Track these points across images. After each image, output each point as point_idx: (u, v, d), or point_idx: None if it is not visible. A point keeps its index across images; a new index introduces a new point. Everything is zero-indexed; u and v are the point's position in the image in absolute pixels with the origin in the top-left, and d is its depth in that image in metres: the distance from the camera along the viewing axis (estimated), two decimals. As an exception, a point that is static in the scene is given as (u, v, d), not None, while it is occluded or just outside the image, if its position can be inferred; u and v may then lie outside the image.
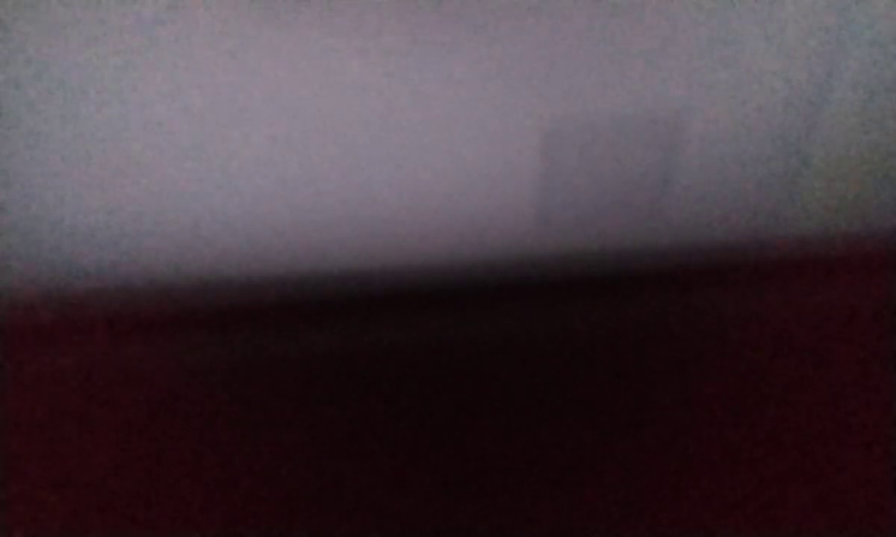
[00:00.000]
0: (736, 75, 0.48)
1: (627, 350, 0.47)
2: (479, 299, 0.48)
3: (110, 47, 0.43)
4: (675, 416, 0.47)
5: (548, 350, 0.47)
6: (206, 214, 0.48)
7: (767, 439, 0.47)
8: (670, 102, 0.48)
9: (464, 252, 0.52)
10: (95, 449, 0.44)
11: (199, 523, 0.45)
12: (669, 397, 0.47)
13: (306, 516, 0.45)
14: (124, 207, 0.48)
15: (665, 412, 0.47)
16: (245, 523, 0.45)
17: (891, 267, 0.49)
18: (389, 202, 0.50)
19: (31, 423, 0.44)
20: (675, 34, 0.46)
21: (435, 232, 0.51)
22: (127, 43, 0.43)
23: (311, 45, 0.44)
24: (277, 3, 0.43)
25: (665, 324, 0.47)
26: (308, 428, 0.46)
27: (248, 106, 0.46)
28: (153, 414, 0.45)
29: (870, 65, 0.48)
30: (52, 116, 0.44)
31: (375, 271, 0.51)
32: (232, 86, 0.45)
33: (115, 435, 0.45)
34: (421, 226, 0.51)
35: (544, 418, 0.47)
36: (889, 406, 0.48)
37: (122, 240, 0.48)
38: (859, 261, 0.49)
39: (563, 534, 0.46)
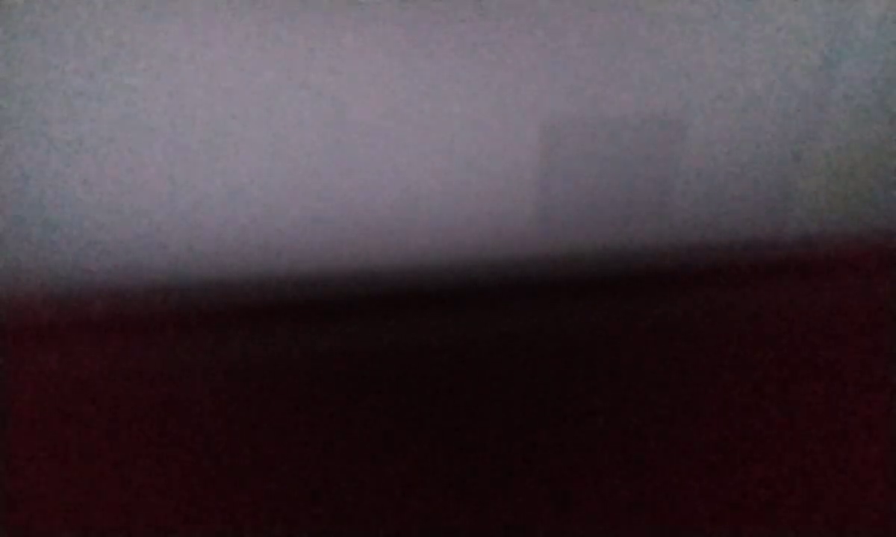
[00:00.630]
0: (736, 75, 0.48)
1: (627, 350, 0.47)
2: (479, 299, 0.48)
3: (110, 47, 0.43)
4: (675, 416, 0.47)
5: (548, 350, 0.47)
6: (206, 214, 0.48)
7: (767, 439, 0.47)
8: (670, 102, 0.48)
9: (464, 252, 0.52)
10: (95, 449, 0.44)
11: (199, 523, 0.45)
12: (670, 397, 0.47)
13: (306, 516, 0.45)
14: (124, 207, 0.48)
15: (665, 412, 0.47)
16: (245, 523, 0.45)
17: (891, 267, 0.49)
18: (389, 202, 0.50)
19: (31, 423, 0.44)
20: (675, 34, 0.46)
21: (435, 232, 0.51)
22: (127, 43, 0.43)
23: (311, 44, 0.44)
24: (277, 3, 0.43)
25: (665, 324, 0.47)
26: (308, 428, 0.46)
27: (248, 106, 0.46)
28: (153, 414, 0.45)
29: (870, 65, 0.48)
30: (52, 116, 0.44)
31: (375, 271, 0.51)
32: (232, 86, 0.45)
33: (115, 435, 0.45)
34: (421, 225, 0.51)
35: (544, 418, 0.47)
36: (889, 406, 0.48)
37: (122, 240, 0.48)
38: (859, 261, 0.49)
39: (563, 534, 0.46)
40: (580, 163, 0.50)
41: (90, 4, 0.42)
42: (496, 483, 0.46)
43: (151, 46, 0.43)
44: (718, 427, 0.47)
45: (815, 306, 0.48)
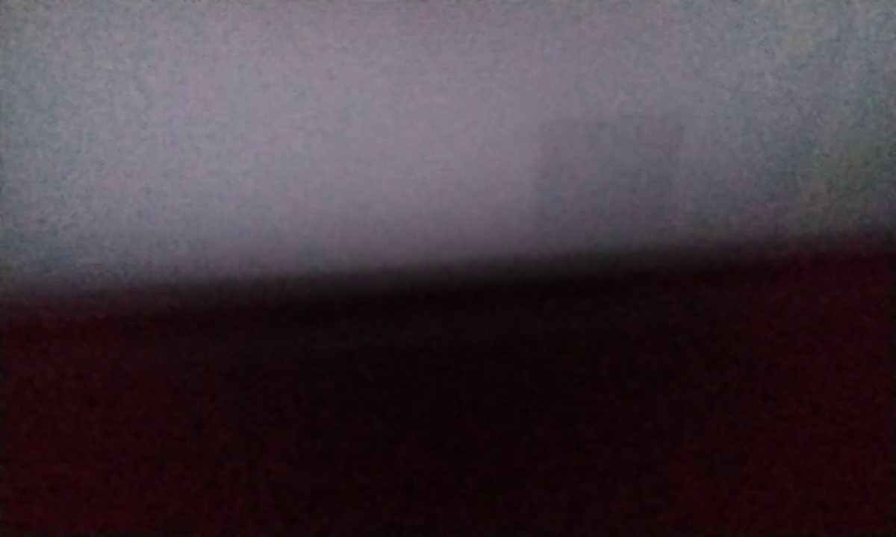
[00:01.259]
0: (736, 75, 0.48)
1: (627, 350, 0.47)
2: (479, 299, 0.48)
3: (110, 47, 0.43)
4: (675, 416, 0.47)
5: (548, 350, 0.47)
6: (206, 214, 0.48)
7: (767, 439, 0.47)
8: (670, 102, 0.48)
9: (464, 252, 0.52)
10: (95, 449, 0.44)
11: (199, 523, 0.45)
12: (669, 397, 0.47)
13: (306, 516, 0.45)
14: (124, 207, 0.48)
15: (665, 412, 0.47)
16: (245, 523, 0.45)
17: (891, 267, 0.49)
18: (389, 202, 0.50)
19: (31, 423, 0.44)
20: (675, 34, 0.46)
21: (435, 232, 0.51)
22: (127, 43, 0.43)
23: (311, 45, 0.44)
24: (277, 3, 0.43)
25: (665, 324, 0.47)
26: (308, 428, 0.46)
27: (248, 106, 0.46)
28: (153, 415, 0.45)
29: (870, 65, 0.48)
30: (52, 116, 0.44)
31: (375, 271, 0.51)
32: (232, 86, 0.45)
33: (115, 435, 0.45)
34: (421, 226, 0.51)
35: (544, 418, 0.47)
36: (889, 406, 0.48)
37: (121, 240, 0.48)
38: (859, 261, 0.49)
39: (563, 534, 0.46)
40: (580, 163, 0.50)
41: (90, 4, 0.42)
42: (496, 483, 0.46)
43: (151, 46, 0.43)
44: (718, 427, 0.47)
45: (815, 306, 0.48)
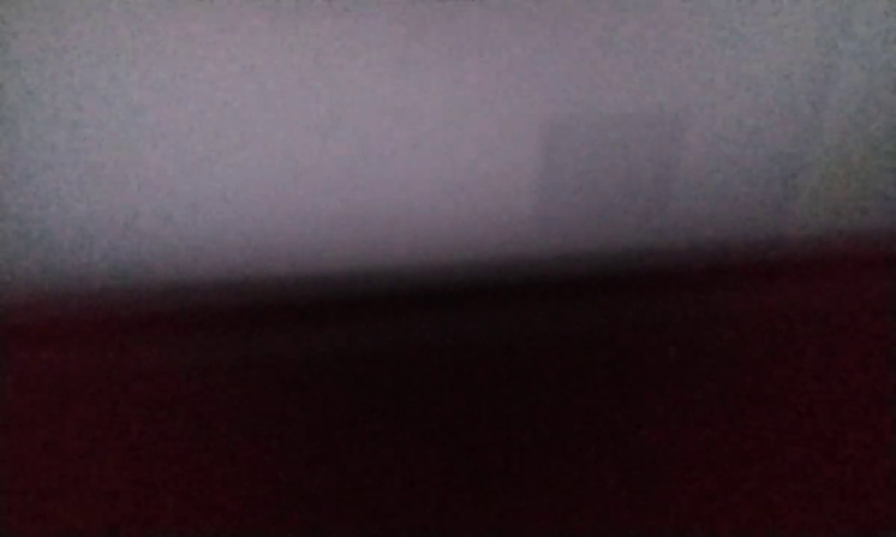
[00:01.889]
0: (736, 75, 0.48)
1: (627, 350, 0.47)
2: (479, 299, 0.48)
3: (110, 48, 0.43)
4: (675, 416, 0.47)
5: (548, 350, 0.47)
6: (206, 214, 0.48)
7: (767, 439, 0.47)
8: (670, 102, 0.48)
9: (464, 252, 0.52)
10: (95, 449, 0.44)
11: (199, 523, 0.45)
12: (669, 397, 0.47)
13: (306, 516, 0.45)
14: (125, 208, 0.48)
15: (665, 412, 0.47)
16: (245, 523, 0.45)
17: (891, 267, 0.49)
18: (389, 202, 0.50)
19: (31, 423, 0.44)
20: (675, 34, 0.46)
21: (435, 232, 0.51)
22: (127, 43, 0.43)
23: (311, 45, 0.44)
24: (278, 3, 0.43)
25: (665, 324, 0.47)
26: (308, 428, 0.46)
27: (248, 106, 0.46)
28: (153, 414, 0.45)
29: (870, 65, 0.48)
30: (52, 116, 0.44)
31: (375, 271, 0.51)
32: (232, 86, 0.45)
33: (115, 435, 0.45)
34: (421, 225, 0.51)
35: (544, 418, 0.47)
36: (889, 406, 0.48)
37: (122, 240, 0.48)
38: (859, 261, 0.49)
39: (563, 534, 0.46)
40: (580, 162, 0.50)
41: (90, 5, 0.42)
42: (496, 483, 0.46)
43: (151, 46, 0.43)
44: (718, 427, 0.47)
45: (815, 306, 0.48)
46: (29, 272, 0.48)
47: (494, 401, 0.47)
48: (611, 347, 0.47)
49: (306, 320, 0.47)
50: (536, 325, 0.47)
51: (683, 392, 0.47)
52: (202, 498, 0.45)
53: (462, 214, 0.51)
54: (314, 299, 0.47)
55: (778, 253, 0.49)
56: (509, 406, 0.47)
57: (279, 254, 0.50)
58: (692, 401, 0.47)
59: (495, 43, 0.45)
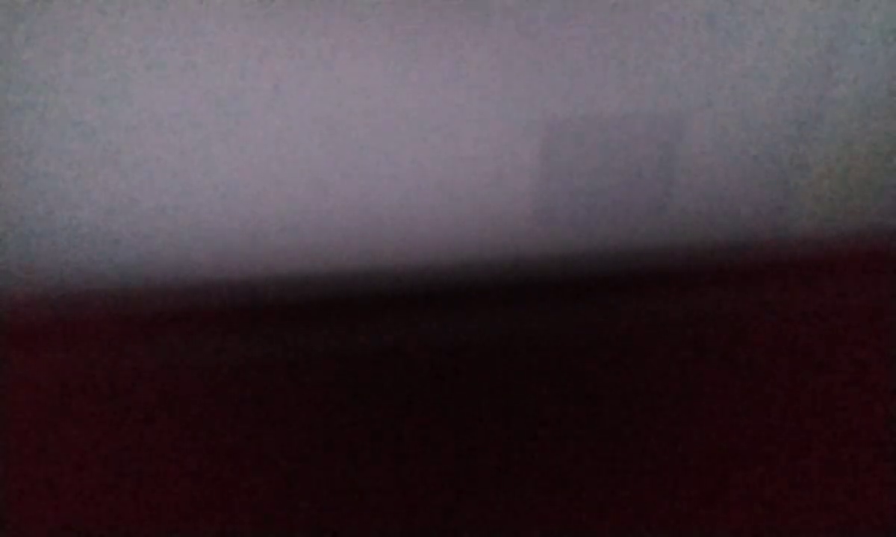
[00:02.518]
0: (736, 75, 0.48)
1: (627, 350, 0.47)
2: (479, 299, 0.48)
3: (110, 48, 0.43)
4: (675, 416, 0.47)
5: (548, 350, 0.47)
6: (207, 214, 0.48)
7: (767, 439, 0.47)
8: (670, 102, 0.48)
9: (464, 252, 0.52)
10: (95, 449, 0.44)
11: (199, 523, 0.45)
12: (669, 397, 0.47)
13: (306, 516, 0.45)
14: (124, 207, 0.48)
15: (665, 412, 0.47)
16: (245, 523, 0.45)
17: (891, 267, 0.49)
18: (389, 202, 0.50)
19: (31, 423, 0.44)
20: (675, 34, 0.46)
21: (435, 232, 0.51)
22: (127, 43, 0.43)
23: (311, 45, 0.44)
24: (278, 3, 0.43)
25: (665, 324, 0.47)
26: (308, 428, 0.46)
27: (248, 106, 0.46)
28: (153, 414, 0.45)
29: (870, 65, 0.48)
30: (53, 116, 0.44)
31: (375, 271, 0.51)
32: (232, 86, 0.45)
33: (115, 435, 0.45)
34: (421, 225, 0.51)
35: (544, 418, 0.47)
36: (889, 406, 0.48)
37: (122, 240, 0.48)
38: (859, 261, 0.49)
39: (563, 534, 0.46)
40: (580, 163, 0.50)
41: (89, 4, 0.42)
42: (496, 483, 0.46)
43: (153, 47, 0.43)
44: (718, 427, 0.47)
45: (815, 306, 0.48)
46: (29, 272, 0.48)
47: (494, 400, 0.47)
48: (611, 347, 0.47)
49: (306, 320, 0.47)
50: (536, 325, 0.47)
51: (683, 392, 0.47)
52: (202, 497, 0.45)
53: (462, 214, 0.51)
54: (314, 299, 0.47)
55: (778, 253, 0.49)
56: (509, 406, 0.47)
57: (279, 254, 0.50)
58: (692, 401, 0.47)
59: (495, 43, 0.45)
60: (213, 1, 0.43)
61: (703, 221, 0.53)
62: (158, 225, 0.48)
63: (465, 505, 0.46)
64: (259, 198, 0.48)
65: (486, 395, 0.47)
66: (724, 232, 0.53)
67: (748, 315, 0.48)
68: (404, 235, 0.51)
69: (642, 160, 0.50)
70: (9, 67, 0.43)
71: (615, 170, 0.50)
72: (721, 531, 0.46)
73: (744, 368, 0.48)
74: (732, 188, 0.52)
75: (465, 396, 0.46)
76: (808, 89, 0.49)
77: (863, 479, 0.47)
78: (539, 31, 0.45)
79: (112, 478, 0.45)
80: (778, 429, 0.48)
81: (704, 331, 0.48)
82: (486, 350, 0.47)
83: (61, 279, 0.49)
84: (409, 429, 0.46)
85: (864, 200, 0.53)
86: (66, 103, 0.44)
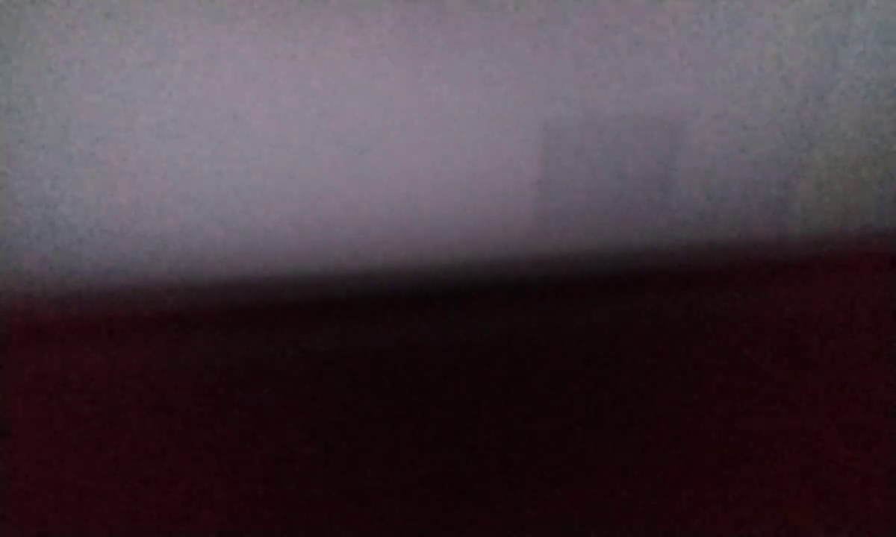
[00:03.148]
0: (736, 75, 0.48)
1: (627, 350, 0.47)
2: (479, 299, 0.48)
3: (112, 48, 0.43)
4: (675, 416, 0.47)
5: (548, 350, 0.47)
6: (207, 214, 0.48)
7: (767, 439, 0.47)
8: (670, 102, 0.48)
9: (464, 252, 0.52)
10: (95, 449, 0.44)
11: (199, 523, 0.45)
12: (669, 397, 0.47)
13: (306, 516, 0.45)
14: (124, 207, 0.48)
15: (665, 412, 0.47)
16: (245, 523, 0.45)
17: (891, 267, 0.49)
18: (389, 202, 0.50)
19: (31, 423, 0.44)
20: (675, 34, 0.46)
21: (435, 232, 0.51)
22: (129, 44, 0.43)
23: (311, 45, 0.44)
24: (278, 3, 0.43)
25: (665, 324, 0.47)
26: (308, 428, 0.46)
27: (248, 106, 0.46)
28: (153, 415, 0.45)
29: (870, 65, 0.48)
30: (53, 116, 0.44)
31: (375, 271, 0.51)
32: (232, 86, 0.45)
33: (115, 435, 0.45)
34: (421, 225, 0.51)
35: (544, 418, 0.47)
36: (889, 406, 0.48)
37: (122, 240, 0.48)
38: (859, 261, 0.49)
39: (563, 534, 0.46)
40: (580, 163, 0.50)
41: (91, 5, 0.42)
42: (496, 483, 0.46)
43: (152, 47, 0.43)
44: (718, 427, 0.47)
45: (815, 306, 0.48)
46: (29, 272, 0.48)
47: (494, 400, 0.47)
48: (611, 347, 0.47)
49: (306, 320, 0.47)
50: (536, 325, 0.47)
51: (683, 392, 0.47)
52: (202, 497, 0.45)
53: (462, 214, 0.51)
54: (314, 299, 0.47)
55: (778, 253, 0.49)
56: (509, 405, 0.47)
57: (279, 254, 0.50)
58: (692, 401, 0.47)
59: (495, 43, 0.45)
60: (214, 1, 0.43)
61: (703, 221, 0.53)
62: (158, 225, 0.48)
63: (465, 505, 0.46)
64: (259, 198, 0.48)
65: (486, 395, 0.47)
66: (724, 232, 0.53)
67: (748, 315, 0.48)
68: (404, 235, 0.51)
69: (642, 160, 0.50)
70: (9, 67, 0.43)
71: (615, 171, 0.50)
72: (721, 531, 0.46)
73: (744, 368, 0.48)
74: (732, 188, 0.52)
75: (465, 396, 0.47)
76: (808, 89, 0.49)
77: (863, 479, 0.47)
78: (539, 31, 0.45)
79: (112, 478, 0.45)
80: (777, 429, 0.48)
81: (704, 331, 0.48)
82: (486, 350, 0.47)
83: (61, 279, 0.49)
84: (409, 429, 0.46)
85: (864, 200, 0.53)
86: (67, 103, 0.44)
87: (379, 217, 0.50)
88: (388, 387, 0.46)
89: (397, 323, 0.47)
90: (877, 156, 0.52)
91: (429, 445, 0.46)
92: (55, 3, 0.41)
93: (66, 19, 0.42)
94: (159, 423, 0.45)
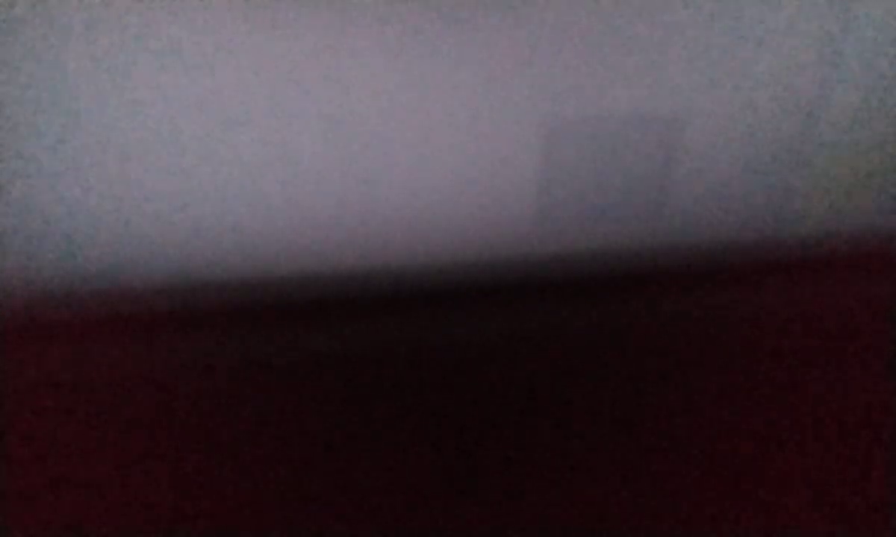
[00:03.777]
0: (736, 76, 0.48)
1: (627, 350, 0.47)
2: (479, 299, 0.48)
3: (112, 47, 0.43)
4: (675, 416, 0.47)
5: (548, 350, 0.47)
6: (206, 214, 0.48)
7: (767, 439, 0.47)
8: (670, 102, 0.48)
9: (464, 252, 0.52)
10: (95, 449, 0.44)
11: (199, 523, 0.45)
12: (668, 397, 0.47)
13: (306, 516, 0.45)
14: (125, 207, 0.48)
15: (664, 412, 0.47)
16: (245, 523, 0.45)
17: (891, 267, 0.49)
18: (389, 202, 0.50)
19: (31, 423, 0.44)
20: (675, 34, 0.46)
21: (435, 232, 0.51)
22: (129, 43, 0.43)
23: (310, 45, 0.44)
24: (278, 3, 0.43)
25: (665, 324, 0.47)
26: (308, 429, 0.46)
27: (247, 106, 0.46)
28: (153, 414, 0.45)
29: (870, 65, 0.48)
30: (52, 116, 0.44)
31: (375, 271, 0.51)
32: (232, 86, 0.45)
33: (115, 436, 0.45)
34: (421, 225, 0.51)
35: (544, 418, 0.47)
36: (889, 406, 0.48)
37: (122, 240, 0.48)
38: (859, 261, 0.49)
39: (563, 534, 0.46)
40: (580, 163, 0.50)
41: (91, 4, 0.42)
42: (496, 483, 0.46)
43: (151, 46, 0.43)
44: (718, 427, 0.47)
45: (815, 306, 0.48)
46: (29, 272, 0.48)
47: (494, 400, 0.47)
48: (611, 347, 0.47)
49: (306, 320, 0.47)
50: (536, 325, 0.47)
51: (683, 392, 0.47)
52: (202, 497, 0.45)
53: (462, 214, 0.51)
54: (314, 299, 0.47)
55: (778, 253, 0.49)
56: (509, 405, 0.47)
57: (279, 254, 0.50)
58: (692, 401, 0.47)
59: (495, 43, 0.45)
60: (214, 1, 0.43)
61: (703, 221, 0.53)
62: (158, 225, 0.48)
63: (465, 505, 0.46)
64: (259, 198, 0.48)
65: (486, 395, 0.47)
66: (724, 232, 0.53)
67: (748, 315, 0.48)
68: (404, 235, 0.51)
69: (642, 160, 0.50)
70: (9, 67, 0.43)
71: (615, 171, 0.50)
72: (721, 531, 0.46)
73: (744, 368, 0.48)
74: (732, 188, 0.52)
75: (465, 396, 0.46)
76: (808, 89, 0.49)
77: (863, 479, 0.47)
78: (539, 31, 0.45)
79: (112, 478, 0.45)
80: (777, 429, 0.48)
81: (704, 331, 0.48)
82: (486, 350, 0.47)
83: (61, 279, 0.49)
84: (409, 429, 0.46)
85: (864, 200, 0.53)
86: (67, 103, 0.44)
87: (379, 217, 0.50)
88: (389, 387, 0.46)
89: (397, 323, 0.47)
90: (877, 156, 0.52)
91: (429, 445, 0.46)
92: (56, 4, 0.41)
93: (68, 19, 0.42)
94: (159, 423, 0.45)
